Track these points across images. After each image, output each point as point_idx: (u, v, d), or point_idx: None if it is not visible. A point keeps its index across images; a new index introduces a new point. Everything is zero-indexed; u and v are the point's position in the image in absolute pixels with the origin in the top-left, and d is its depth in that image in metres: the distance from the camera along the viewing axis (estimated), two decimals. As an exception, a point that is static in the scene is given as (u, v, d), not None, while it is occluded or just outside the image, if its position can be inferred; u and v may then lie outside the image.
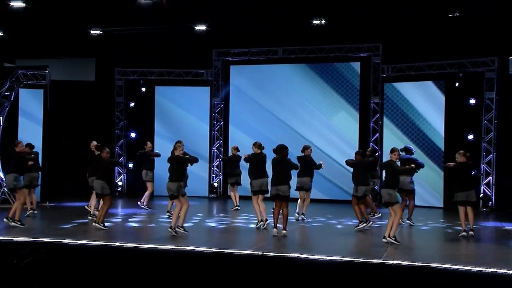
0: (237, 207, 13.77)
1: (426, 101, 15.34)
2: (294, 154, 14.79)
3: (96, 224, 10.41)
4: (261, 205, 10.82)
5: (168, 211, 12.32)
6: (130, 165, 17.42)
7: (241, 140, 16.63)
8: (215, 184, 17.12)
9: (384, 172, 10.52)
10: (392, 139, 15.61)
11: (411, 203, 11.66)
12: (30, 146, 12.13)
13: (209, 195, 16.92)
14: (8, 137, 13.92)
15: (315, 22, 14.93)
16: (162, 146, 16.91)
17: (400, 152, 10.51)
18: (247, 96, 16.97)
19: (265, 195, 10.76)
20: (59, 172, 15.35)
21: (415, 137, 15.42)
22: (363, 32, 15.74)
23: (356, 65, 16.23)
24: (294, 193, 11.36)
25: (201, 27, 15.60)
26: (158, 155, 13.60)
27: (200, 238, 9.84)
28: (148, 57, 17.38)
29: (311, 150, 12.12)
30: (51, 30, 15.67)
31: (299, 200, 12.09)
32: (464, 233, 10.19)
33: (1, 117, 14.27)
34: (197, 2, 14.04)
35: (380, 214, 12.29)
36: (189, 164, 10.54)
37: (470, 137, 14.72)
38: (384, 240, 9.31)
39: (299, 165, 11.13)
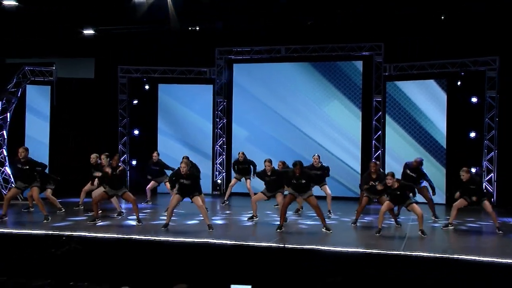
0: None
1: (428, 100, 15.60)
2: (297, 152, 15.06)
3: (137, 223, 10.71)
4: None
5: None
6: (134, 162, 17.43)
7: (244, 138, 16.88)
8: (218, 181, 17.23)
9: None
10: (394, 137, 15.91)
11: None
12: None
13: (213, 192, 17.02)
14: (15, 133, 13.93)
15: (315, 21, 15.11)
16: (165, 143, 17.09)
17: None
18: (250, 94, 17.10)
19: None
20: (65, 168, 15.33)
21: (417, 135, 15.68)
22: (365, 31, 15.92)
23: (359, 64, 16.45)
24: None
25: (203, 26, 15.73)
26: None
27: (217, 232, 9.97)
28: (150, 55, 17.42)
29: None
30: (50, 30, 15.63)
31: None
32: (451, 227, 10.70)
33: (8, 113, 14.29)
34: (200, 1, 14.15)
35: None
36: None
37: (472, 135, 14.98)
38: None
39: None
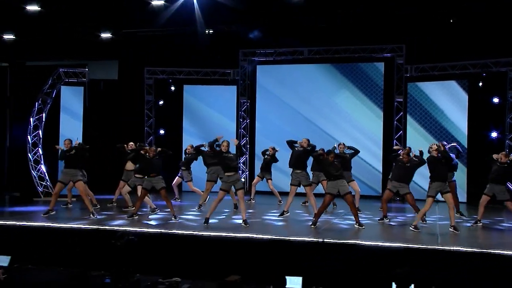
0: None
1: (449, 100, 15.92)
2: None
3: (173, 219, 11.12)
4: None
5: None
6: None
7: (267, 137, 17.24)
8: (242, 180, 17.56)
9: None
10: (415, 136, 16.23)
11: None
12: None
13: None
14: (50, 132, 14.41)
15: (337, 23, 15.41)
16: (190, 143, 17.28)
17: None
18: (273, 95, 17.50)
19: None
20: (96, 166, 15.75)
21: (438, 134, 16.01)
22: (387, 33, 16.22)
23: (380, 65, 16.80)
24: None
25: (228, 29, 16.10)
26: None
27: (254, 228, 10.36)
28: (176, 57, 17.80)
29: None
30: (76, 33, 16.03)
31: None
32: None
33: (44, 113, 14.77)
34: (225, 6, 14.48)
35: None
36: None
37: (494, 134, 15.29)
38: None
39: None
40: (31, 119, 14.85)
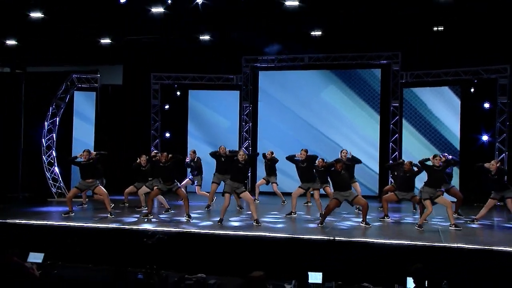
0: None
1: (442, 105, 16.74)
2: (319, 153, 15.93)
3: (187, 218, 11.70)
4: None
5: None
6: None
7: (268, 140, 17.97)
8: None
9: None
10: (411, 139, 17.06)
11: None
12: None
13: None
14: (63, 136, 15.01)
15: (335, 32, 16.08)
16: (195, 146, 17.93)
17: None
18: (274, 99, 18.26)
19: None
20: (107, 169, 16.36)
21: (432, 137, 16.84)
22: (383, 41, 16.94)
23: (377, 72, 17.61)
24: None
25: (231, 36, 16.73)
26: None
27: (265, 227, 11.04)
28: (181, 63, 18.42)
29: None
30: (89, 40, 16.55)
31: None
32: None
33: (57, 118, 15.38)
34: (228, 14, 15.05)
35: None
36: None
37: (485, 138, 16.13)
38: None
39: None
40: (46, 123, 15.54)
